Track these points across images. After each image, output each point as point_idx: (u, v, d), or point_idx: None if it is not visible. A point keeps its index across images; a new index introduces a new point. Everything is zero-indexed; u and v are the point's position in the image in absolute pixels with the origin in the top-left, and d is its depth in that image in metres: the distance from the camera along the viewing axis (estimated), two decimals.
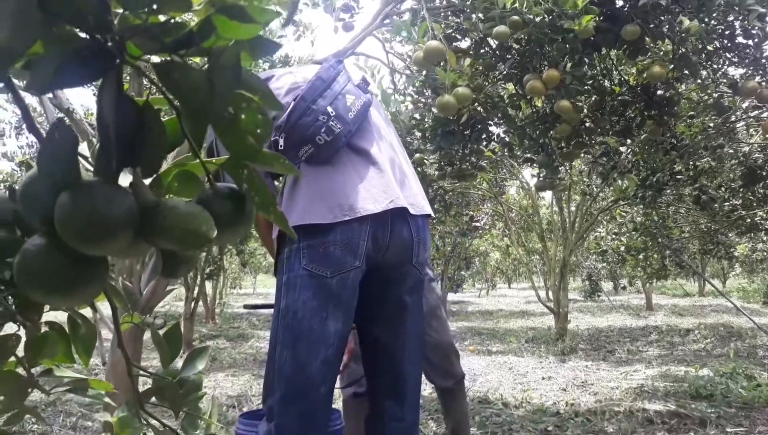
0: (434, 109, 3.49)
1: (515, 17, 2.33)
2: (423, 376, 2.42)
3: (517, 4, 2.33)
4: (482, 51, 3.22)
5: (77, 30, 0.52)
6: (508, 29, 2.32)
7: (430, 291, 2.66)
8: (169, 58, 0.55)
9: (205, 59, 0.56)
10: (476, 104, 3.11)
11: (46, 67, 0.50)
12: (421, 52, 2.33)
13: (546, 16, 2.31)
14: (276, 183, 2.02)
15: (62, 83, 0.50)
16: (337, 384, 1.82)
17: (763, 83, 2.58)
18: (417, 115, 3.52)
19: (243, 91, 0.54)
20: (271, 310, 1.84)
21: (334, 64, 1.74)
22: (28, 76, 0.51)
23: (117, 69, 0.53)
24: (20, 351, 0.71)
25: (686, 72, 2.77)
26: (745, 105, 3.84)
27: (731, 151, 4.82)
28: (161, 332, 0.81)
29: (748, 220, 6.40)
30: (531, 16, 2.32)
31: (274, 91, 1.87)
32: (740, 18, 2.43)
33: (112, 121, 0.52)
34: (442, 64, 2.35)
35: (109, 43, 0.53)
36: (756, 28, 2.45)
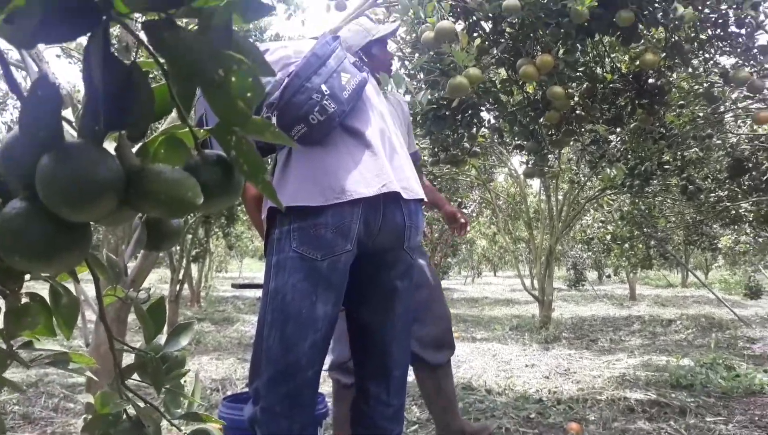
0: (421, 94, 3.47)
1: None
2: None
3: None
4: (475, 34, 3.20)
5: None
6: (518, 2, 2.27)
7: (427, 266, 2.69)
8: (157, 17, 0.53)
9: (196, 20, 0.54)
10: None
11: (28, 20, 0.48)
12: (431, 32, 2.29)
13: None
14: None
15: (46, 38, 0.48)
16: (324, 367, 1.81)
17: (755, 73, 2.58)
18: (408, 98, 3.49)
19: (233, 53, 0.52)
20: (259, 290, 1.82)
21: (329, 40, 1.70)
22: (10, 30, 0.48)
23: (104, 26, 0.50)
24: None
25: (678, 60, 2.76)
26: (734, 96, 3.85)
27: (719, 141, 4.84)
28: (145, 307, 0.79)
29: (733, 212, 6.45)
30: None
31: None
32: (734, 7, 2.42)
33: (99, 80, 0.50)
34: (454, 44, 2.30)
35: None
36: (749, 17, 2.45)
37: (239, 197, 0.60)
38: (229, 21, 0.53)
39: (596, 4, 2.26)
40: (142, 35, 0.56)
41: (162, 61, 0.54)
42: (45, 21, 0.48)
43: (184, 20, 0.58)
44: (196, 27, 0.54)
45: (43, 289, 0.71)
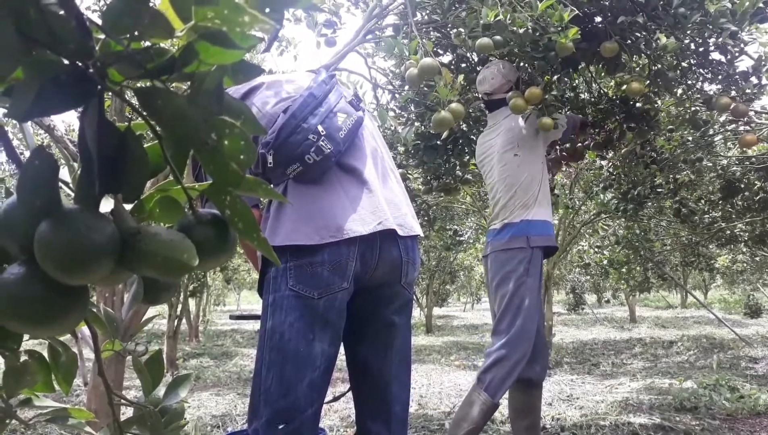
0: (416, 124, 3.52)
1: (498, 37, 2.34)
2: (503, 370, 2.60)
3: (500, 17, 2.33)
4: (463, 66, 3.25)
5: (58, 56, 0.51)
6: (491, 41, 2.33)
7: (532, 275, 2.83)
8: (150, 84, 0.54)
9: (188, 84, 0.56)
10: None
11: (26, 93, 0.49)
12: (415, 69, 2.33)
13: (529, 28, 2.33)
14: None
15: (43, 110, 0.49)
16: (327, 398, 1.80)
17: (737, 98, 2.63)
18: (400, 129, 3.53)
19: (226, 117, 0.54)
20: (257, 321, 1.81)
21: (326, 79, 1.70)
22: (8, 102, 0.50)
23: (99, 95, 0.52)
24: None
25: (662, 87, 2.81)
26: (722, 118, 3.90)
27: (710, 164, 4.89)
28: (143, 359, 0.80)
29: (728, 232, 6.48)
30: (515, 29, 2.32)
31: (263, 100, 1.82)
32: (714, 36, 2.47)
33: (95, 149, 0.51)
34: (437, 80, 2.35)
35: (91, 70, 0.52)
36: (728, 45, 2.49)
37: (234, 255, 0.61)
38: (220, 85, 0.55)
39: (579, 36, 2.30)
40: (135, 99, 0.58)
41: (155, 125, 0.56)
42: (42, 93, 0.49)
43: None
44: (188, 91, 0.56)
45: (39, 344, 0.71)
